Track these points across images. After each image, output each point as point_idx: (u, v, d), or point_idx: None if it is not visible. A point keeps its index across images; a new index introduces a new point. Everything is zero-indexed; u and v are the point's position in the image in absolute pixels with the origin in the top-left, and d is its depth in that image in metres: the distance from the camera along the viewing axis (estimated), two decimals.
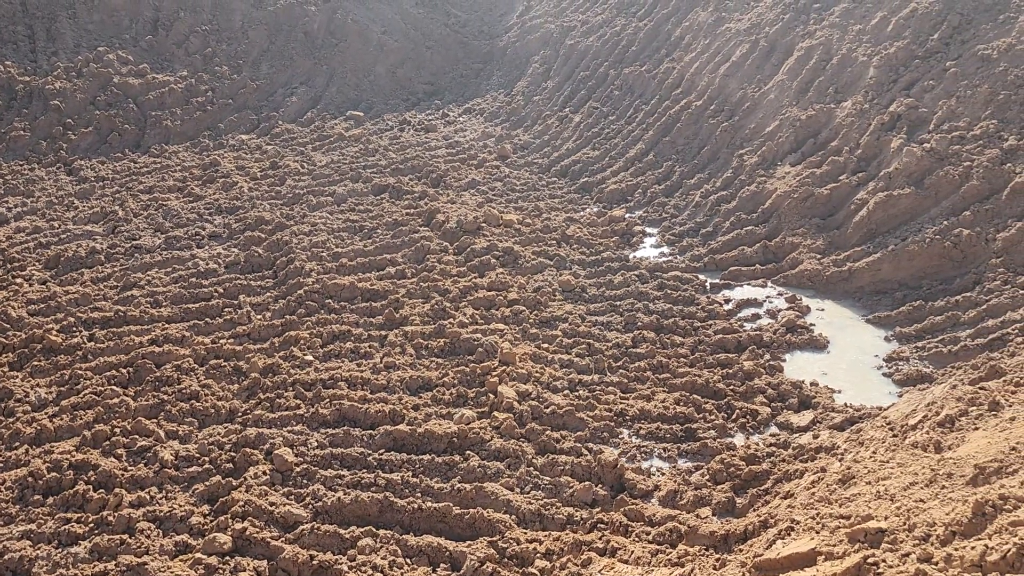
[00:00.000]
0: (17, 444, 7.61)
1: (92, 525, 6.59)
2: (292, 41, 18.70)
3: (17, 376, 8.60)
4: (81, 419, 7.90)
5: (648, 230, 12.49)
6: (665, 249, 11.90)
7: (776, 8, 15.15)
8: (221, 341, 9.32)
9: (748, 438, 7.73)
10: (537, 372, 8.66)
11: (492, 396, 8.22)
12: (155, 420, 7.94)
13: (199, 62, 17.51)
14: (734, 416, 8.06)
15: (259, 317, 9.91)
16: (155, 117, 15.73)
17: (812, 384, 8.54)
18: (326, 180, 13.99)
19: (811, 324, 9.66)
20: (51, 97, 15.48)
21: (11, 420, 7.94)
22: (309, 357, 9.03)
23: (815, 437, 7.40)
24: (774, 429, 7.88)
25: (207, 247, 11.62)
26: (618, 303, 10.26)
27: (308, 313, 9.91)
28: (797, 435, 7.67)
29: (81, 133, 15.05)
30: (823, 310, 10.00)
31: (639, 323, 9.76)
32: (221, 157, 14.75)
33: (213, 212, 12.67)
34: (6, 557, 6.23)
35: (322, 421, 7.94)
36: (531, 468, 7.27)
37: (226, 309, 10.06)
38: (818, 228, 11.18)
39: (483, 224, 12.05)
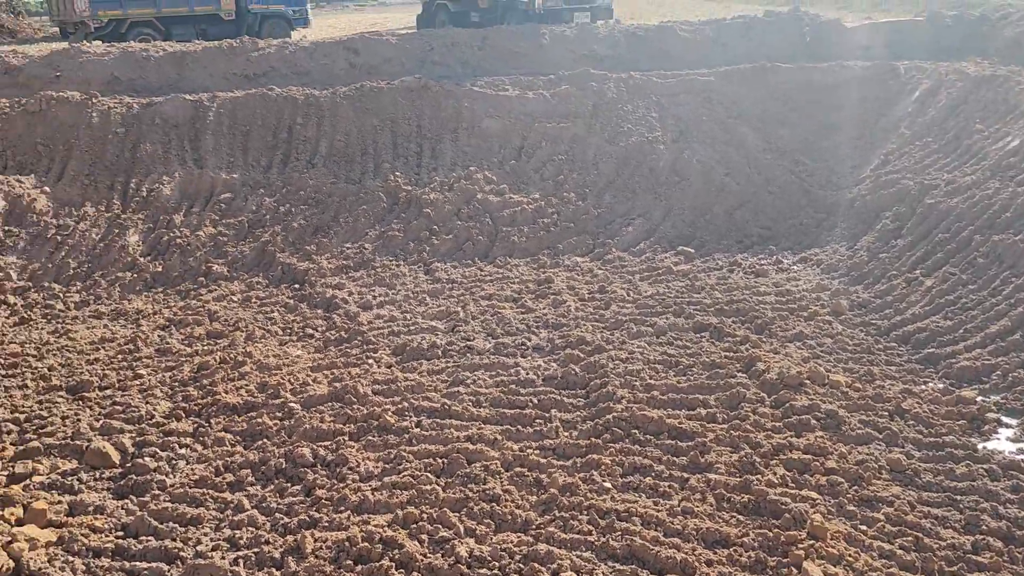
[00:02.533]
0: (343, 508, 8.45)
1: None
2: (637, 175, 19.63)
3: (354, 447, 9.63)
4: (397, 499, 8.58)
5: (1005, 420, 10.83)
6: None
7: None
8: (528, 451, 9.67)
9: None
10: (851, 556, 7.75)
11: (795, 571, 7.49)
12: (458, 514, 8.37)
13: (551, 187, 19.03)
14: None
15: (566, 434, 10.14)
16: (505, 232, 17.26)
17: None
18: (649, 311, 14.20)
19: None
20: (425, 206, 17.77)
21: (341, 485, 8.86)
22: (608, 484, 9.00)
23: None
24: None
25: (530, 357, 12.27)
26: (959, 497, 8.92)
27: (613, 439, 9.95)
28: None
29: (442, 239, 16.96)
30: None
31: (984, 526, 8.36)
32: (555, 275, 15.67)
33: (540, 326, 13.41)
34: None
35: (611, 554, 7.79)
36: None
37: (537, 420, 10.46)
38: None
39: (806, 380, 11.34)
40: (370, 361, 11.90)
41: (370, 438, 9.84)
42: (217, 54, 25.23)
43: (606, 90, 21.66)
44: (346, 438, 9.81)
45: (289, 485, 8.97)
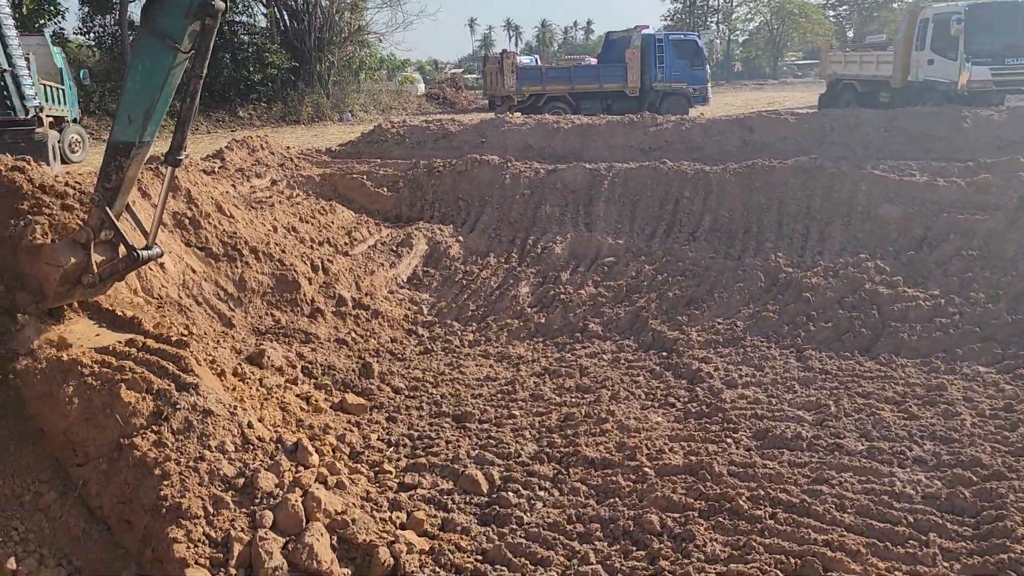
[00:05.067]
0: None
1: None
2: None
3: (702, 524, 9.41)
4: None
5: None
6: None
7: None
8: (896, 573, 8.62)
9: None
10: None
11: None
12: None
13: (955, 284, 17.07)
14: None
15: (945, 564, 8.85)
16: (893, 328, 15.80)
17: None
18: None
19: None
20: (805, 290, 17.01)
21: (686, 561, 8.68)
22: None
23: None
24: None
25: (909, 470, 11.00)
26: None
27: None
28: None
29: (820, 327, 16.05)
30: None
31: None
32: (950, 383, 13.93)
33: (925, 436, 11.97)
34: None
35: None
36: None
37: (911, 541, 9.28)
38: None
39: None
40: (729, 440, 11.62)
41: (720, 519, 9.57)
42: (618, 128, 27.07)
43: None
44: (695, 514, 9.65)
45: (634, 549, 9.06)
